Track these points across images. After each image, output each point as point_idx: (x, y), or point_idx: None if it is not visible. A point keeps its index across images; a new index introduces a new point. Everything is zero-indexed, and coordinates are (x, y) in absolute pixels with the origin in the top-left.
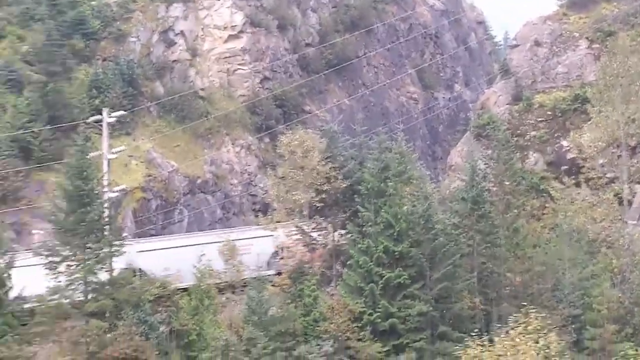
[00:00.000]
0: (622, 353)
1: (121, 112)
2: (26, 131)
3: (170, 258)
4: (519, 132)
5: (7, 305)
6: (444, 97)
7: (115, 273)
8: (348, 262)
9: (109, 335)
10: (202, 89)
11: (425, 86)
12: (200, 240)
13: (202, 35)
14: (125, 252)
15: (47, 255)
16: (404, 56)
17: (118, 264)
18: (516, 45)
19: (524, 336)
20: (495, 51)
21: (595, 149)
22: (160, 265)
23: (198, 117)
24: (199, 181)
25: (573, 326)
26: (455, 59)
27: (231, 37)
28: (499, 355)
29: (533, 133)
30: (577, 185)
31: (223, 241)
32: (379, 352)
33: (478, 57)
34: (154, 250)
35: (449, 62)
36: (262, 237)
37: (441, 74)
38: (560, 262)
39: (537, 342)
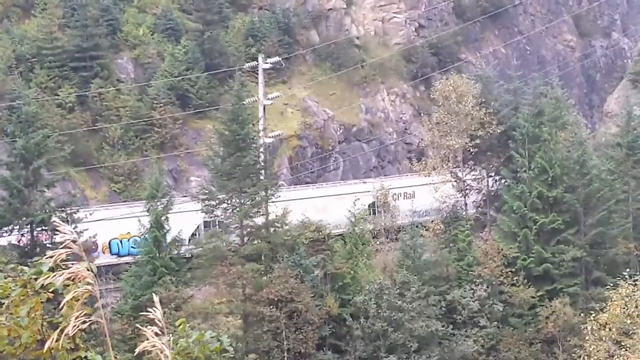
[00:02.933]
0: None
1: (276, 58)
2: (184, 79)
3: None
4: None
5: (165, 249)
6: (601, 46)
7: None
8: (502, 208)
9: (264, 277)
10: (358, 38)
11: (582, 34)
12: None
13: None
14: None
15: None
16: (560, 3)
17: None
18: None
19: None
20: None
21: None
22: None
23: (353, 65)
24: (354, 129)
25: None
26: (613, 6)
27: None
28: None
29: None
30: None
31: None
32: (533, 297)
33: (637, 4)
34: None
35: (607, 9)
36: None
37: (598, 22)
38: None
39: None
